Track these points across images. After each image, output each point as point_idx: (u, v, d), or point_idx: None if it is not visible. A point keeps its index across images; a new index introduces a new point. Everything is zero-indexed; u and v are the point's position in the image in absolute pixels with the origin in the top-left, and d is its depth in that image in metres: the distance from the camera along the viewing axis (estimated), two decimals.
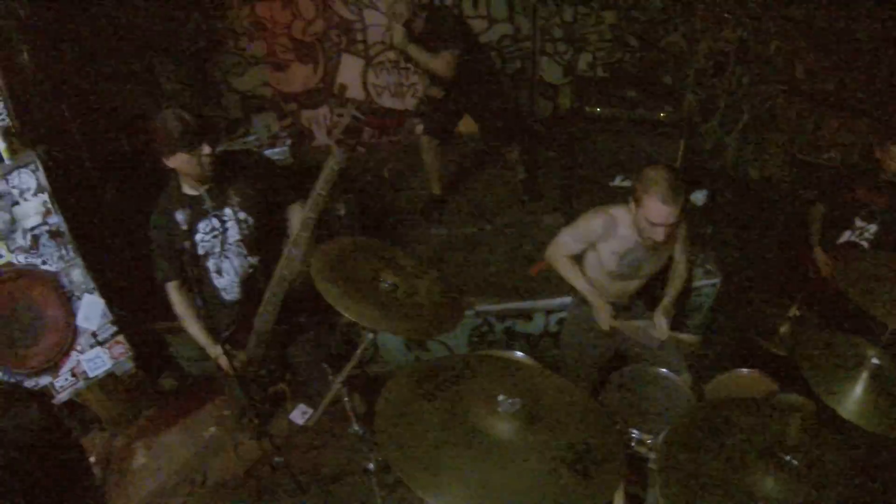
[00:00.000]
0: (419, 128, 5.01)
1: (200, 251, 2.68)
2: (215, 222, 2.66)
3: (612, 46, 5.89)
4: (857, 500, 1.56)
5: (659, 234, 2.52)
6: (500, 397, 1.65)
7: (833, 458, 1.64)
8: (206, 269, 2.75)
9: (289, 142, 4.39)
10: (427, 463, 1.53)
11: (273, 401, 3.42)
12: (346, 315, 2.02)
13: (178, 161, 2.49)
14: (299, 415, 3.37)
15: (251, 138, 4.58)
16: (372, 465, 2.63)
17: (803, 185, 3.85)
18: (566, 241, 2.88)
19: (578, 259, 2.93)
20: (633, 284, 2.92)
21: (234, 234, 2.69)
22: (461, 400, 1.74)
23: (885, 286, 2.39)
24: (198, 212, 2.62)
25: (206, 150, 2.46)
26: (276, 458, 2.94)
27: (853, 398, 2.02)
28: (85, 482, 1.11)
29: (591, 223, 2.77)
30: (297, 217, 2.72)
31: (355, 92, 5.83)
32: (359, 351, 2.30)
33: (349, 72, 5.76)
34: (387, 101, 5.93)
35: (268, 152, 4.33)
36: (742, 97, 5.48)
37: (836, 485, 1.58)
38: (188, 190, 2.63)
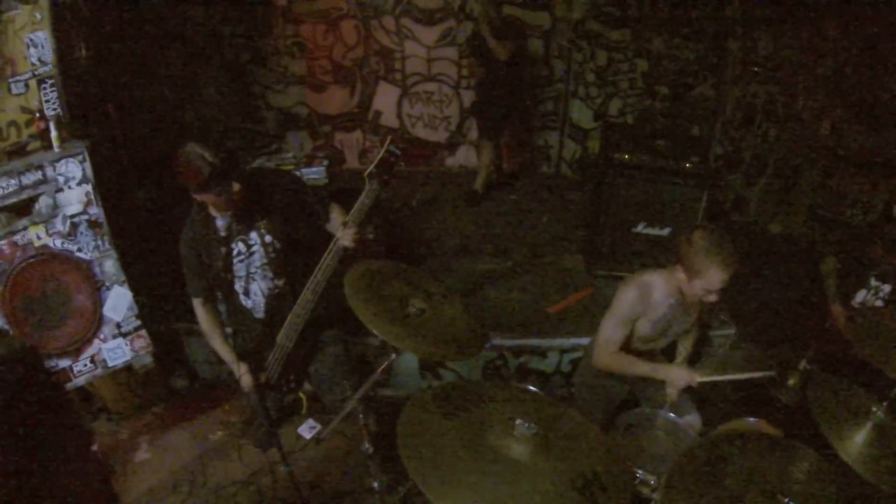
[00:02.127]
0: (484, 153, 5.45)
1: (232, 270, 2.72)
2: (241, 246, 2.67)
3: (642, 94, 6.00)
4: None
5: (714, 298, 2.51)
6: (518, 421, 1.72)
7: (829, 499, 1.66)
8: (234, 291, 2.79)
9: (326, 162, 4.49)
10: (445, 475, 1.58)
11: (288, 411, 3.46)
12: (377, 334, 2.06)
13: (205, 198, 2.49)
14: (307, 429, 3.41)
15: (288, 155, 4.69)
16: (377, 484, 2.64)
17: (823, 241, 3.86)
18: (611, 333, 2.73)
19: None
20: (660, 344, 2.92)
21: (259, 257, 2.70)
22: (480, 421, 1.80)
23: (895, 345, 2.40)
24: (231, 231, 2.63)
25: (236, 187, 2.46)
26: (283, 467, 2.96)
27: (855, 445, 2.04)
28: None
29: (628, 298, 2.67)
30: (336, 221, 2.70)
31: (389, 120, 6.01)
32: (379, 370, 2.33)
33: (385, 99, 5.95)
34: (420, 132, 6.10)
35: (305, 171, 4.42)
36: (767, 151, 5.53)
37: None
38: (214, 213, 2.61)
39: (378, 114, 5.99)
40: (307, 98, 5.85)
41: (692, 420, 2.79)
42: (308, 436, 3.24)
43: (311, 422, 3.35)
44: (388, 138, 2.53)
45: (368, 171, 2.47)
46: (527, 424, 1.69)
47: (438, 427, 1.75)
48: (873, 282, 3.52)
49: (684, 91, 5.95)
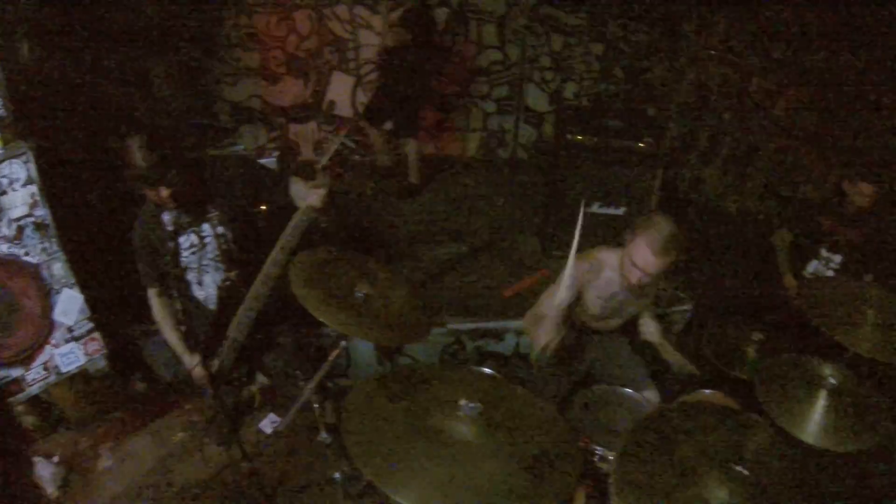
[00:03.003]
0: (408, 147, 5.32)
1: (181, 265, 2.71)
2: (194, 238, 2.68)
3: (598, 77, 6.04)
4: None
5: (634, 277, 2.52)
6: (462, 401, 1.72)
7: (783, 467, 1.70)
8: (186, 282, 2.78)
9: (276, 153, 4.47)
10: (390, 459, 1.59)
11: (246, 406, 3.43)
12: (323, 320, 2.07)
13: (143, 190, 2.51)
14: (268, 424, 3.39)
15: (239, 148, 4.65)
16: (338, 474, 2.65)
17: (778, 217, 3.96)
18: (560, 296, 2.70)
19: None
20: (614, 323, 2.96)
21: (212, 249, 2.71)
22: (426, 403, 1.80)
23: (846, 312, 2.46)
24: (178, 225, 2.64)
25: (164, 192, 2.46)
26: (244, 464, 2.94)
27: (812, 419, 2.10)
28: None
29: (576, 267, 2.66)
30: (300, 191, 2.67)
31: (344, 109, 5.96)
32: (330, 358, 2.34)
33: (339, 89, 5.90)
34: None
35: None
36: (723, 131, 5.62)
37: (786, 493, 1.64)
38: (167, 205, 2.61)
39: (332, 104, 5.93)
40: (261, 90, 5.77)
41: (650, 395, 2.83)
42: (269, 430, 3.22)
43: (272, 416, 3.33)
44: (343, 130, 2.51)
45: (322, 163, 2.46)
46: (471, 405, 1.70)
47: (384, 411, 1.75)
48: (824, 253, 3.63)
49: (640, 73, 6.01)
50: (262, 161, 4.37)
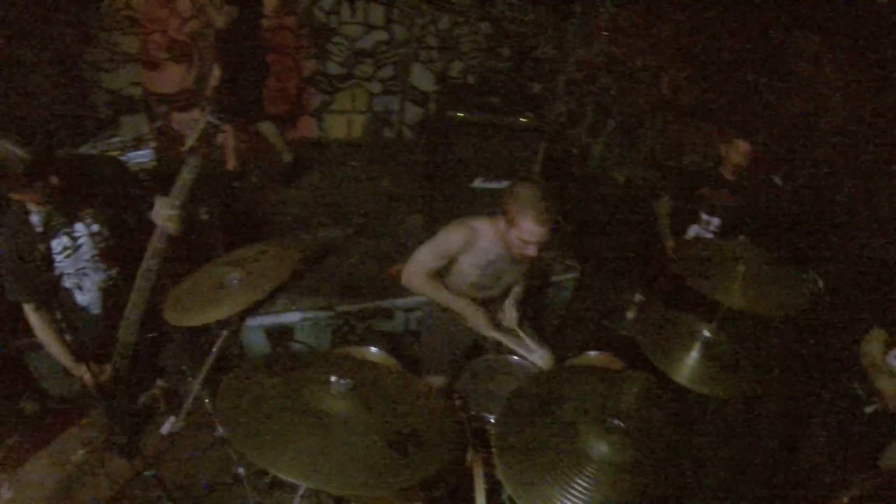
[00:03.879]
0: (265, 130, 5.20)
1: (56, 271, 2.56)
2: (66, 240, 2.53)
3: (485, 55, 6.11)
4: (678, 453, 1.76)
5: (532, 251, 2.55)
6: (333, 378, 1.73)
7: (658, 418, 1.82)
8: (65, 288, 2.64)
9: (153, 144, 4.25)
10: (264, 433, 1.61)
11: (146, 411, 3.30)
12: (201, 323, 2.13)
13: (23, 196, 2.35)
14: (169, 428, 3.27)
15: (115, 140, 4.39)
16: (242, 469, 2.61)
17: (663, 187, 4.17)
18: (425, 259, 2.79)
19: (440, 272, 2.89)
20: (494, 293, 2.99)
21: (88, 249, 2.58)
22: (300, 379, 1.82)
23: (718, 270, 2.63)
24: (49, 226, 2.48)
25: (55, 180, 2.32)
26: (146, 472, 2.83)
27: (687, 366, 2.26)
28: None
29: (451, 237, 2.74)
30: (164, 210, 2.60)
31: None
32: (214, 349, 2.33)
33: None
34: None
35: (132, 155, 4.17)
36: (609, 107, 5.85)
37: (660, 441, 1.77)
38: (32, 208, 2.45)
39: (217, 90, 5.66)
40: (141, 77, 5.47)
41: (539, 360, 2.86)
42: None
43: (172, 419, 3.21)
44: (208, 109, 2.42)
45: (189, 145, 2.37)
46: (341, 381, 1.72)
47: (259, 386, 1.77)
48: (703, 217, 3.85)
49: (527, 52, 6.12)
50: (140, 153, 4.19)
